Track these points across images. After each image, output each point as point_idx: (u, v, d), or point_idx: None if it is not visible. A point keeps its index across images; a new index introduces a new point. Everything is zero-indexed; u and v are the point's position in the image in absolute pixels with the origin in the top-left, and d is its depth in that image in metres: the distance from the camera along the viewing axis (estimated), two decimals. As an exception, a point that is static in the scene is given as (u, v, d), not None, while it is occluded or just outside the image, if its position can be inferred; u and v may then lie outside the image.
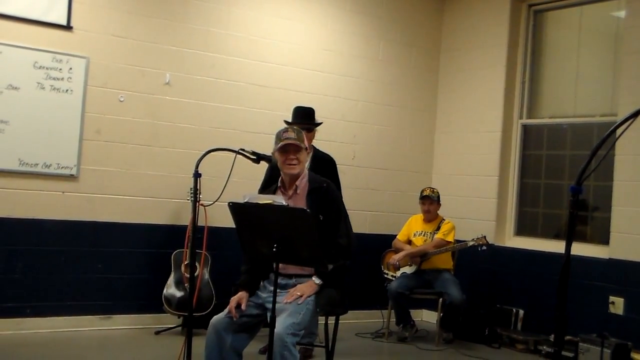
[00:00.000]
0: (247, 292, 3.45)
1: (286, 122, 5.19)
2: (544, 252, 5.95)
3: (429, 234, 6.01)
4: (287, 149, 3.51)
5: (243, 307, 3.38)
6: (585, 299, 5.48)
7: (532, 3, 6.55)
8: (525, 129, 6.55)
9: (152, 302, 5.49)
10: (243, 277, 3.53)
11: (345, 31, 6.58)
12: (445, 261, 5.97)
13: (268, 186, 4.82)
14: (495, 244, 6.22)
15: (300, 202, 3.50)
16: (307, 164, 3.83)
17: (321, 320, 3.85)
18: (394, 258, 5.93)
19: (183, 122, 5.77)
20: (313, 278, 3.43)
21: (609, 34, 6.13)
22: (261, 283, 3.55)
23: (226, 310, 3.41)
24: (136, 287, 5.61)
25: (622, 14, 5.83)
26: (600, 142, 2.39)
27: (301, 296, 3.35)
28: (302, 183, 3.59)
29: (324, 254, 3.16)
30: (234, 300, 3.40)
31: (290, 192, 3.58)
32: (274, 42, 6.17)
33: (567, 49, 6.34)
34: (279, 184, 3.66)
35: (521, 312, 6.05)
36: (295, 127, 3.73)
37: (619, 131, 2.45)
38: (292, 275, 3.49)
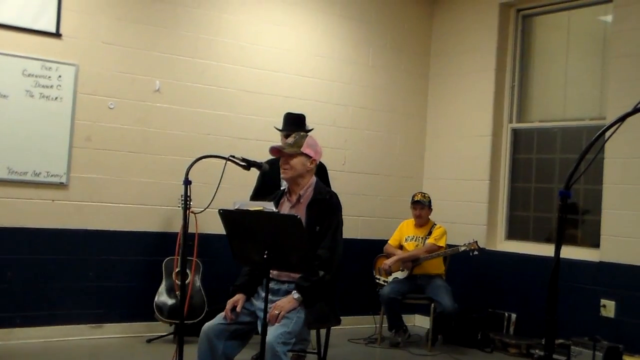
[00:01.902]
0: (245, 295, 3.43)
1: (277, 128, 5.18)
2: (535, 255, 5.96)
3: (420, 239, 6.01)
4: (279, 154, 3.50)
5: (238, 309, 3.36)
6: (577, 302, 5.50)
7: (520, 8, 6.58)
8: (515, 133, 6.57)
9: (143, 310, 5.46)
10: (243, 278, 3.49)
11: (335, 37, 6.59)
12: (437, 266, 5.97)
13: (260, 193, 4.82)
14: (487, 248, 6.22)
15: (300, 212, 3.47)
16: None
17: (313, 326, 3.83)
18: (386, 263, 5.92)
19: (173, 129, 5.75)
20: (292, 293, 3.34)
21: (597, 38, 6.16)
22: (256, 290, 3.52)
23: (218, 317, 3.40)
24: (127, 295, 5.58)
25: (609, 18, 5.87)
26: (589, 145, 2.40)
27: (279, 314, 3.26)
28: (307, 192, 3.54)
29: (314, 262, 3.14)
30: (230, 303, 3.38)
31: (294, 200, 3.55)
32: (264, 48, 6.17)
33: (555, 53, 6.37)
34: (285, 190, 3.64)
35: (513, 316, 6.06)
36: (300, 134, 3.66)
37: (607, 134, 2.45)
38: (285, 281, 3.45)
